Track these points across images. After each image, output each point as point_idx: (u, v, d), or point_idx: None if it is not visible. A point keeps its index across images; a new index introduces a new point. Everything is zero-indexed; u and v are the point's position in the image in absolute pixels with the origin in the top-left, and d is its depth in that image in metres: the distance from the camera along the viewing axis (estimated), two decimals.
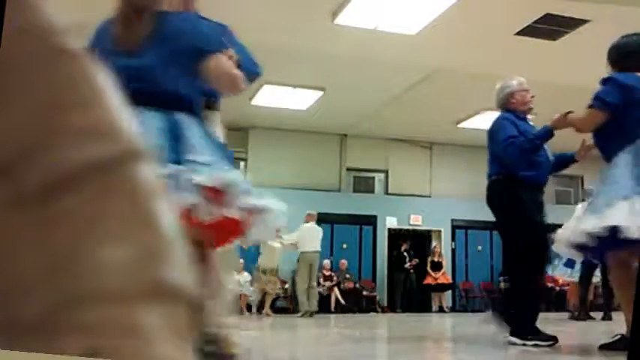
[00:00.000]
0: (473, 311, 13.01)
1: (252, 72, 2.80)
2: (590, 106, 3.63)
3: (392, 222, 13.33)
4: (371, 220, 13.14)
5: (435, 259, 13.15)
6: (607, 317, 7.80)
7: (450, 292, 13.30)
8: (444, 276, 13.09)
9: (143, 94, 2.17)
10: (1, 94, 0.36)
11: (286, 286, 11.95)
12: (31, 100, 0.36)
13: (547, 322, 5.34)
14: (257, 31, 7.49)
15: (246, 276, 11.21)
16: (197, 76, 2.37)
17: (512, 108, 4.41)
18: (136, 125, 0.39)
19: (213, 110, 2.97)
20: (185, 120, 2.30)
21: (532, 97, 4.44)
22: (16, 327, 0.34)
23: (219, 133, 2.87)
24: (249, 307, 10.94)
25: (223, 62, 2.37)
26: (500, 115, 4.47)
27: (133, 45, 2.36)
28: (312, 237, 10.24)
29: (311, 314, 10.11)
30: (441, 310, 12.80)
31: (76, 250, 0.34)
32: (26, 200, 0.35)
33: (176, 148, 2.18)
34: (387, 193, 13.55)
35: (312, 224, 10.38)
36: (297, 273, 10.59)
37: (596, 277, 7.91)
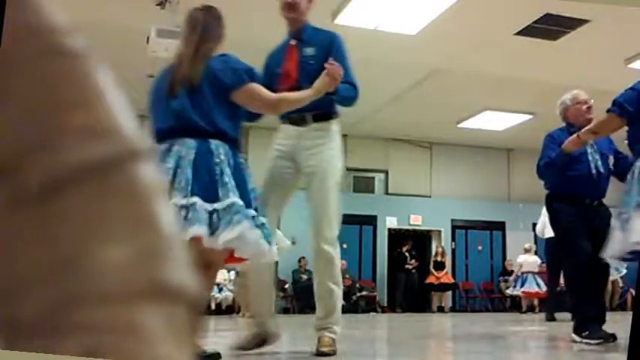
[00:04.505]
0: (473, 311, 13.01)
1: (344, 96, 3.12)
2: (608, 111, 3.68)
3: (392, 222, 13.32)
4: (371, 220, 13.13)
5: (439, 259, 13.15)
6: None
7: (450, 292, 13.31)
8: (447, 276, 13.08)
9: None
10: (2, 93, 0.36)
11: (286, 285, 11.95)
12: (31, 99, 0.36)
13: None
14: (257, 31, 7.49)
15: (231, 275, 11.23)
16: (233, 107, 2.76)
17: (569, 122, 4.41)
18: (136, 125, 0.39)
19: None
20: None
21: (589, 107, 4.32)
22: (16, 327, 0.34)
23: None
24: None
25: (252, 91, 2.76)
26: (549, 132, 4.47)
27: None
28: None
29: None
30: (440, 310, 12.80)
31: (76, 250, 0.34)
32: (26, 200, 0.35)
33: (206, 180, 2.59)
34: (387, 193, 13.55)
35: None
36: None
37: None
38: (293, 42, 3.25)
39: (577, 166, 4.16)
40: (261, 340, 3.20)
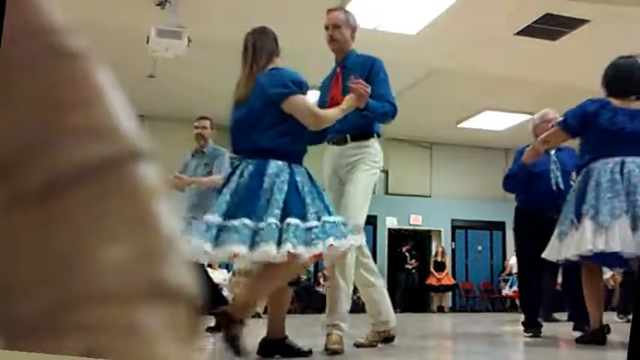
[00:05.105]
0: (473, 311, 13.01)
1: (377, 112, 3.36)
2: (558, 124, 3.97)
3: (392, 222, 13.31)
4: (371, 220, 13.11)
5: (439, 259, 13.13)
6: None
7: (450, 292, 13.30)
8: (448, 277, 13.05)
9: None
10: (2, 93, 0.36)
11: None
12: (32, 99, 0.36)
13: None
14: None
15: (223, 273, 11.18)
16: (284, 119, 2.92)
17: None
18: (136, 125, 0.39)
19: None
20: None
21: (553, 126, 4.60)
22: (16, 327, 0.34)
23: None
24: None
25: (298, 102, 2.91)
26: (519, 148, 4.77)
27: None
28: None
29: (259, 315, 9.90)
30: (440, 310, 12.79)
31: (77, 250, 0.34)
32: (27, 200, 0.35)
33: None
34: (387, 193, 13.54)
35: None
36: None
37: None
38: (338, 70, 3.56)
39: (539, 182, 4.52)
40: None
